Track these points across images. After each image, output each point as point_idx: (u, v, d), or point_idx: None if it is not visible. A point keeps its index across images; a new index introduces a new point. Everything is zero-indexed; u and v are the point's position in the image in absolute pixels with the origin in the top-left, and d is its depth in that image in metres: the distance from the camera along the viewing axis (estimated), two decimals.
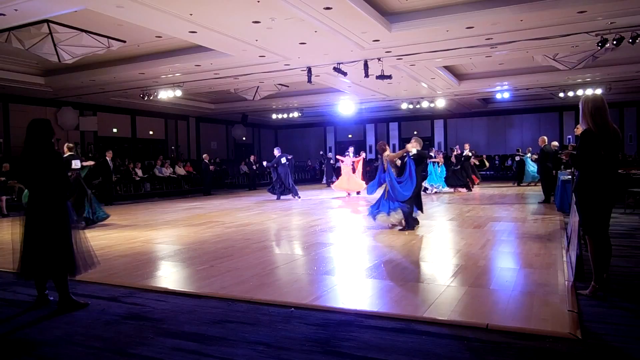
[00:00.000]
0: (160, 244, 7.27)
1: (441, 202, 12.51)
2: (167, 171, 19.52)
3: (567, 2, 8.61)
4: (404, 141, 26.70)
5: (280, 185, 14.57)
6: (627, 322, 3.38)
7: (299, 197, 14.44)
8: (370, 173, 22.93)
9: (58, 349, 3.18)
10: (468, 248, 6.13)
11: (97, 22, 9.43)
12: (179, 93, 15.80)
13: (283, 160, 14.50)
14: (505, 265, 5.33)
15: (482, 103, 23.10)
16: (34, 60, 13.04)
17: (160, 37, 10.87)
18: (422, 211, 7.93)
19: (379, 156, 8.27)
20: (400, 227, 7.69)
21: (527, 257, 5.51)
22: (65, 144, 9.51)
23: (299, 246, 6.90)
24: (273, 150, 15.18)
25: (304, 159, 27.96)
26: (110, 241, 7.46)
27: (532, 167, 17.27)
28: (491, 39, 10.63)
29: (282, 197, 14.71)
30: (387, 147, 8.32)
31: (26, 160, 4.00)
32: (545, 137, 11.71)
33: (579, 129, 4.00)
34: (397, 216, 7.66)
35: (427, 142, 21.63)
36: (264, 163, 15.44)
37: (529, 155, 17.66)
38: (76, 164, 8.89)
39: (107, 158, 14.79)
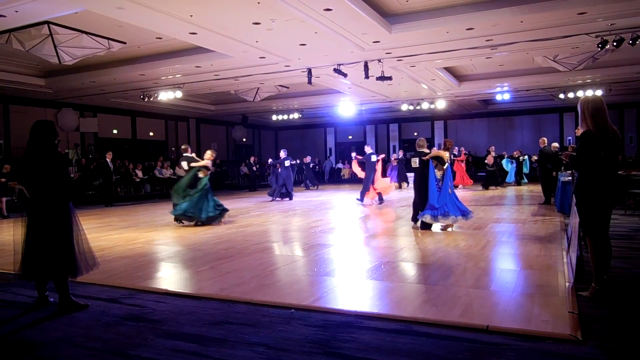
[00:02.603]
0: (160, 245, 7.27)
1: None
2: (167, 172, 19.49)
3: (567, 4, 8.61)
4: (404, 142, 26.69)
5: (281, 187, 14.61)
6: (628, 324, 3.38)
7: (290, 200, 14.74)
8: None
9: (58, 350, 3.18)
10: (468, 249, 6.12)
11: (98, 23, 9.43)
12: (179, 94, 15.78)
13: (287, 163, 14.61)
14: (506, 266, 5.32)
15: (482, 104, 23.08)
16: (34, 61, 13.04)
17: (161, 38, 10.87)
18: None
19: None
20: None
21: (528, 259, 5.50)
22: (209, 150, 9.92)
23: (299, 247, 6.91)
24: (276, 152, 15.26)
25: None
26: (110, 242, 7.46)
27: (525, 168, 17.91)
28: (491, 40, 10.63)
29: (279, 198, 14.75)
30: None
31: (29, 162, 4.00)
32: (545, 139, 11.72)
33: (580, 131, 4.01)
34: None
35: (428, 144, 21.61)
36: (269, 161, 15.53)
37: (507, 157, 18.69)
38: (183, 165, 9.53)
39: (107, 159, 14.81)
